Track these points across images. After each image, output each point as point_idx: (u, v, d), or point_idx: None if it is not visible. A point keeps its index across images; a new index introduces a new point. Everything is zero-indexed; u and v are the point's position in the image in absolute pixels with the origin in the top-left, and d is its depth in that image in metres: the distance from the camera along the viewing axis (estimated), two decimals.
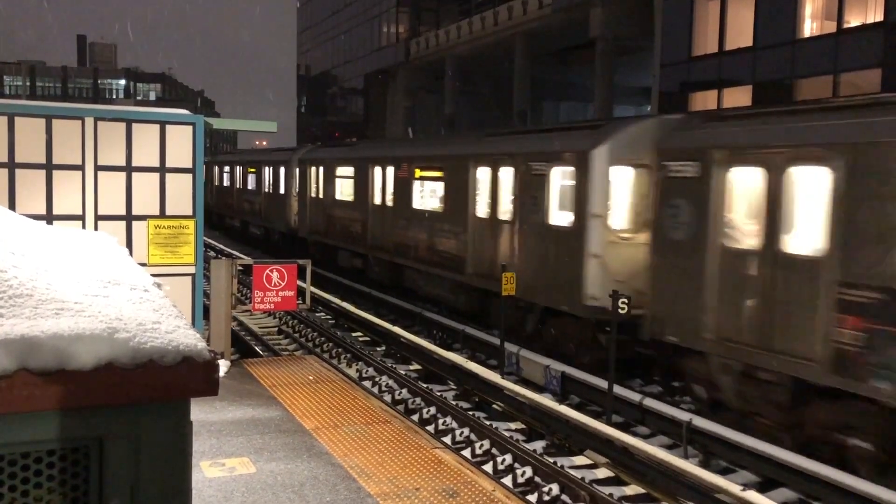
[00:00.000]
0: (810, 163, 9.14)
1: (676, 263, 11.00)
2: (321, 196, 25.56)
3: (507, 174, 15.08)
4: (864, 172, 8.39)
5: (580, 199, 12.74)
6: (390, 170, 20.32)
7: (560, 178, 13.58)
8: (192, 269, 11.16)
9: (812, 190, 9.16)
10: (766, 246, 9.57)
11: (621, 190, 12.60)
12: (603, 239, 12.32)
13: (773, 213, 9.48)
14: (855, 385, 8.37)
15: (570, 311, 12.87)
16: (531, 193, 14.11)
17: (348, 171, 23.49)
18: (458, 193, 16.84)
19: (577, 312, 12.74)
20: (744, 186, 10.12)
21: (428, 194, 18.90)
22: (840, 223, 8.59)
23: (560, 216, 13.50)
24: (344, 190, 24.01)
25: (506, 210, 15.09)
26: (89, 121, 10.59)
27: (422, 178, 18.97)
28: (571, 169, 13.12)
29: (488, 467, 9.91)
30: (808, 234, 9.20)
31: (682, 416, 10.45)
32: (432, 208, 18.49)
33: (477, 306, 16.80)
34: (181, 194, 11.08)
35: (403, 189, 19.60)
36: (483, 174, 15.97)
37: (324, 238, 25.43)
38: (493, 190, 15.47)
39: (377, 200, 21.18)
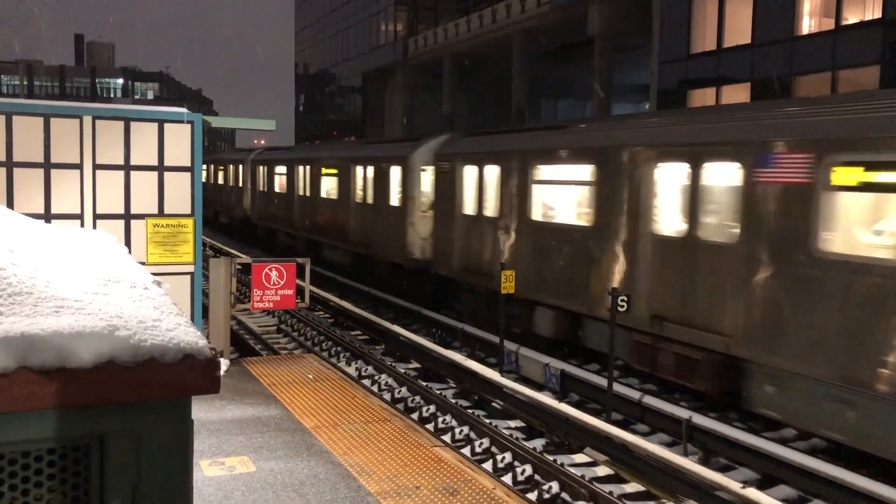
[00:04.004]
0: None
1: None
2: (490, 213, 15.94)
3: None
4: None
5: None
6: (723, 168, 10.44)
7: None
8: (190, 268, 11.15)
9: None
10: None
11: None
12: None
13: None
14: None
15: None
16: None
17: (576, 171, 13.49)
18: None
19: None
20: None
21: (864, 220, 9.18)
22: None
23: None
24: (560, 206, 14.46)
25: None
26: (87, 119, 10.56)
27: (864, 187, 8.71)
28: None
29: (488, 465, 9.90)
30: None
31: (682, 413, 10.45)
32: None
33: None
34: (180, 193, 11.06)
35: (785, 209, 9.40)
36: None
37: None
38: None
39: (670, 228, 11.41)
